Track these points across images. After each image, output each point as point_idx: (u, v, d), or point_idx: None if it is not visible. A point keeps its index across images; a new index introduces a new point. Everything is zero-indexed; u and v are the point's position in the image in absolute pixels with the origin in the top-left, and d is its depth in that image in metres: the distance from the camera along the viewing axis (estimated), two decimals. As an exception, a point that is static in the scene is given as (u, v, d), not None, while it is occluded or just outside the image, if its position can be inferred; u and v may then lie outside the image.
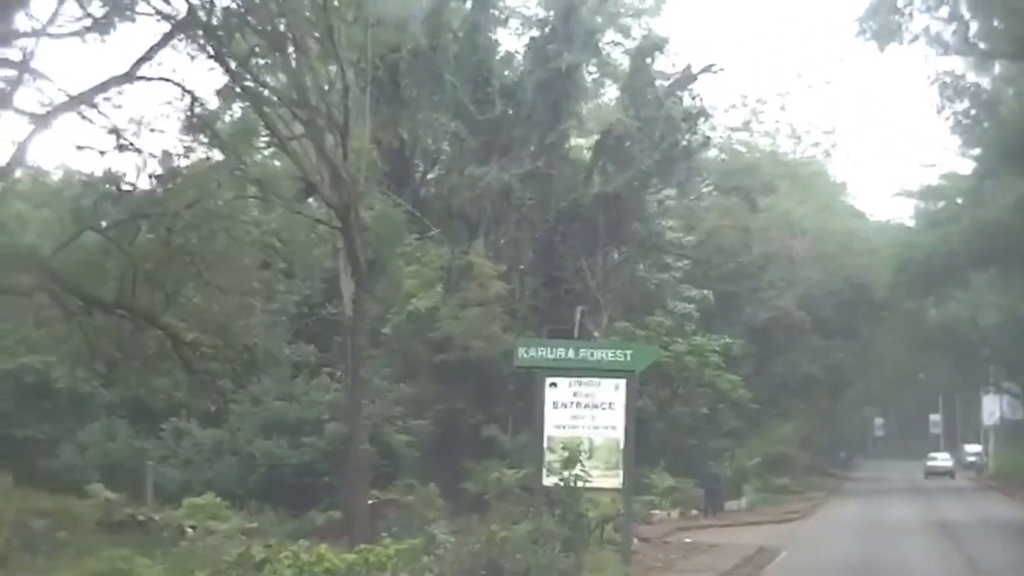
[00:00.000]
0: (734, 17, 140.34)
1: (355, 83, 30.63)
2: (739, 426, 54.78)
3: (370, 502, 31.33)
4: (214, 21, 27.78)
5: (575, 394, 25.99)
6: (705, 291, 53.95)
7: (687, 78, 48.62)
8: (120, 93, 27.50)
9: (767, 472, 55.93)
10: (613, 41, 54.86)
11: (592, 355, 27.28)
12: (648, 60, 48.51)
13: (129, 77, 27.05)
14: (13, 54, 26.29)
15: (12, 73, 26.55)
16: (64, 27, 26.65)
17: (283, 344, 34.68)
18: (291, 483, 36.10)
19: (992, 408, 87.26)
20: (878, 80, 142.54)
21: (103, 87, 26.72)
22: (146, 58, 26.99)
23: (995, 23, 44.64)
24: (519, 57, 48.03)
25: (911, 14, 45.86)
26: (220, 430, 38.23)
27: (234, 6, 28.44)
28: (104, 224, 27.95)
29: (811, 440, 73.07)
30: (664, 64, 49.48)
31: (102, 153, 27.16)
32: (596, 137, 48.23)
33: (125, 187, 27.92)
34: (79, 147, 27.07)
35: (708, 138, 52.49)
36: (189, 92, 28.18)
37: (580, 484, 23.39)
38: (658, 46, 48.83)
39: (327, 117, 29.40)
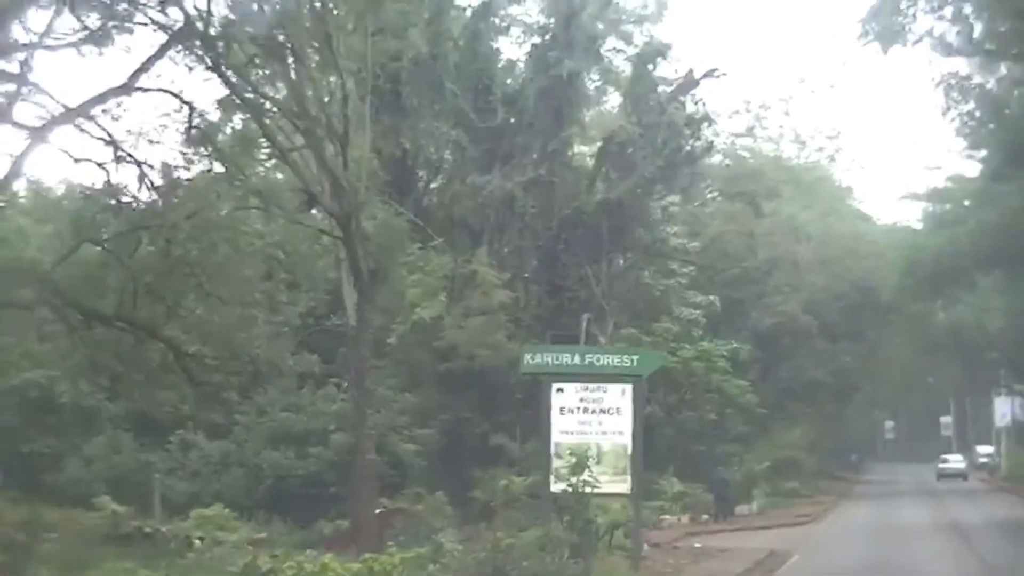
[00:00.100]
0: (737, 23, 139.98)
1: (355, 92, 30.57)
2: (747, 431, 54.59)
3: (378, 511, 31.22)
4: (211, 31, 27.67)
5: (582, 399, 25.76)
6: (711, 297, 53.74)
7: (689, 83, 48.52)
8: (119, 105, 27.48)
9: (776, 476, 55.70)
10: (615, 48, 54.63)
11: (598, 360, 27.04)
12: (650, 66, 48.41)
13: (127, 88, 26.97)
14: (11, 67, 26.17)
15: (11, 87, 26.44)
16: (61, 40, 26.54)
17: (287, 355, 34.57)
18: (298, 493, 36.04)
19: (1003, 410, 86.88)
20: (882, 84, 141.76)
21: (101, 99, 26.63)
22: (143, 69, 26.91)
23: (1000, 24, 44.40)
24: (520, 65, 47.99)
25: (914, 15, 45.59)
26: (227, 442, 38.21)
27: (231, 16, 28.32)
28: (104, 236, 27.85)
29: (819, 444, 72.82)
30: (667, 70, 49.49)
31: (100, 165, 27.07)
32: (598, 144, 48.10)
33: (125, 199, 27.83)
34: (77, 160, 26.92)
35: (711, 143, 52.35)
36: (188, 103, 28.14)
37: (588, 490, 23.19)
38: (660, 52, 48.69)
39: (327, 127, 29.33)
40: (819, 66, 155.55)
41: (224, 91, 29.44)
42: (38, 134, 26.27)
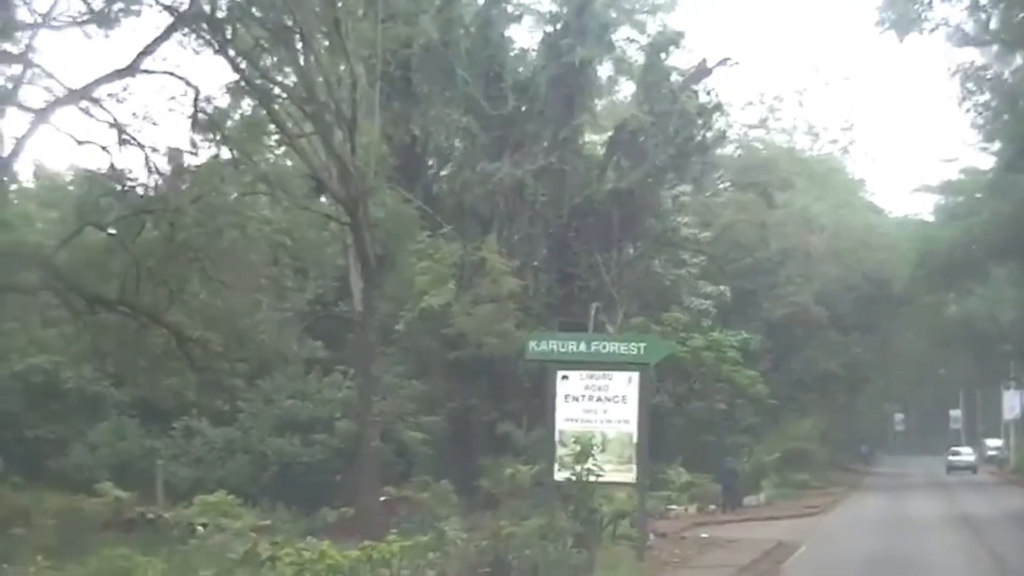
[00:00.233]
0: (750, 13, 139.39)
1: (364, 78, 30.34)
2: (757, 422, 54.34)
3: (383, 499, 31.03)
4: (219, 14, 27.48)
5: (587, 387, 25.52)
6: (722, 287, 53.39)
7: (702, 72, 48.17)
8: (124, 88, 27.33)
9: (786, 467, 55.52)
10: (628, 38, 54.48)
11: (604, 348, 26.82)
12: (663, 55, 48.10)
13: (132, 70, 26.80)
14: (15, 48, 26.03)
15: (15, 68, 26.32)
16: (66, 20, 26.39)
17: (293, 341, 34.42)
18: (303, 481, 35.81)
19: (1012, 403, 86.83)
20: (897, 76, 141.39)
21: (105, 80, 26.45)
22: (148, 51, 26.74)
23: (1016, 13, 44.12)
24: (532, 53, 47.72)
25: (930, 3, 45.49)
26: (232, 428, 37.96)
27: (238, -2, 28.19)
28: (108, 220, 27.72)
29: (830, 436, 72.69)
30: (679, 59, 49.18)
31: (104, 148, 26.94)
32: (610, 133, 47.84)
33: (130, 183, 27.67)
34: (79, 142, 26.78)
35: (724, 132, 52.14)
36: (194, 87, 27.96)
37: (592, 478, 22.92)
38: (673, 40, 48.37)
39: (335, 112, 29.11)
40: (834, 58, 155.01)
41: (232, 76, 29.29)
42: (41, 115, 26.13)
